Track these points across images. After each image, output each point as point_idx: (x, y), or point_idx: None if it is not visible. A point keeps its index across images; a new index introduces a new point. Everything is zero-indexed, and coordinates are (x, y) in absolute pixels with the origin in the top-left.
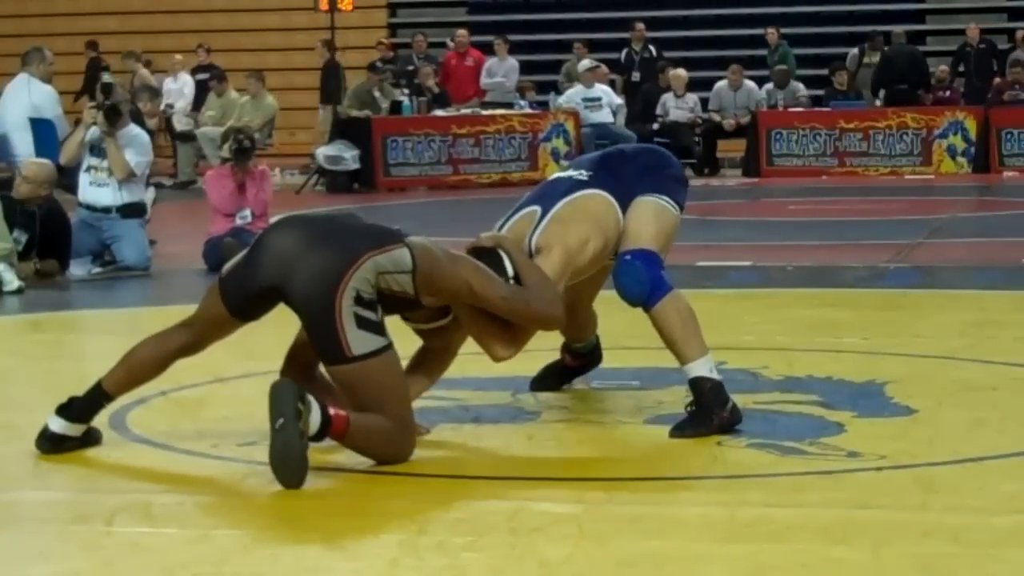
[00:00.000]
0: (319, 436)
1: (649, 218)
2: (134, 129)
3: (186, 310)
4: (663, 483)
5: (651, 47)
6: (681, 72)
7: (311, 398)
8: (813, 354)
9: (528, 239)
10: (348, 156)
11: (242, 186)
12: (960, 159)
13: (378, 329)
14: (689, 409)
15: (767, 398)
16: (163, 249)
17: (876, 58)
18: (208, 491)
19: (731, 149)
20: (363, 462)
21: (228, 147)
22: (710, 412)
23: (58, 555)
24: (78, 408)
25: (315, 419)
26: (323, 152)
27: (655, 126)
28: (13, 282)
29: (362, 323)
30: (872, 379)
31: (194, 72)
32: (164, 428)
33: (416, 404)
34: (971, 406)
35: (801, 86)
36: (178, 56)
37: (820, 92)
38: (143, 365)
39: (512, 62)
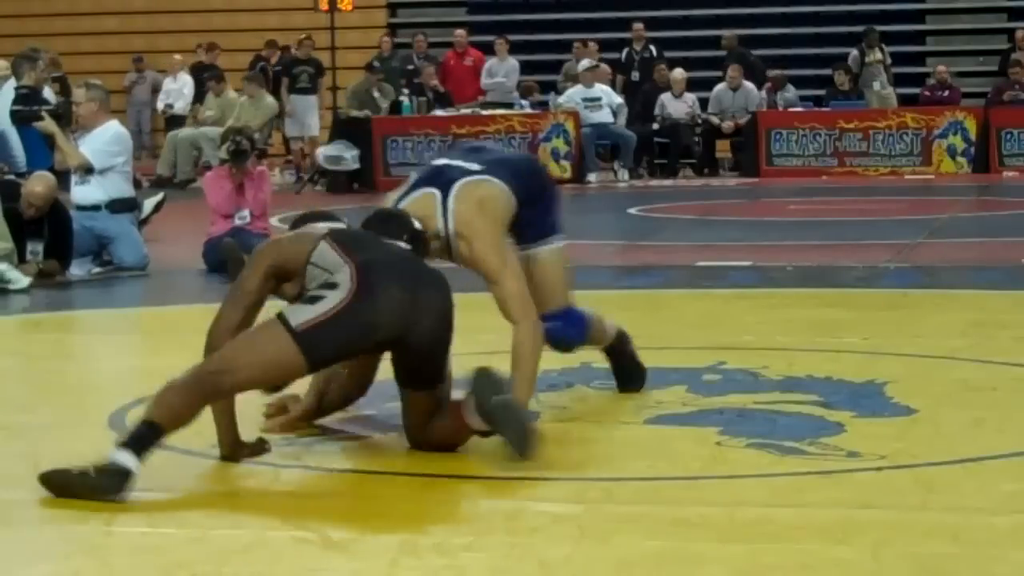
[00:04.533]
0: None
1: (559, 272)
2: (112, 127)
3: (186, 310)
4: (663, 483)
5: (651, 47)
6: (678, 73)
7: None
8: (813, 354)
9: (443, 222)
10: (348, 156)
11: (240, 187)
12: (960, 159)
13: None
14: None
15: (767, 398)
16: (162, 249)
17: (877, 56)
18: (207, 491)
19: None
20: (363, 463)
21: (226, 148)
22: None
23: (58, 555)
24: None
25: None
26: (323, 152)
27: (655, 126)
28: (21, 280)
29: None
30: (872, 379)
31: (193, 71)
32: None
33: None
34: (971, 406)
35: (793, 92)
36: (178, 56)
37: (821, 92)
38: (176, 418)
39: (512, 62)
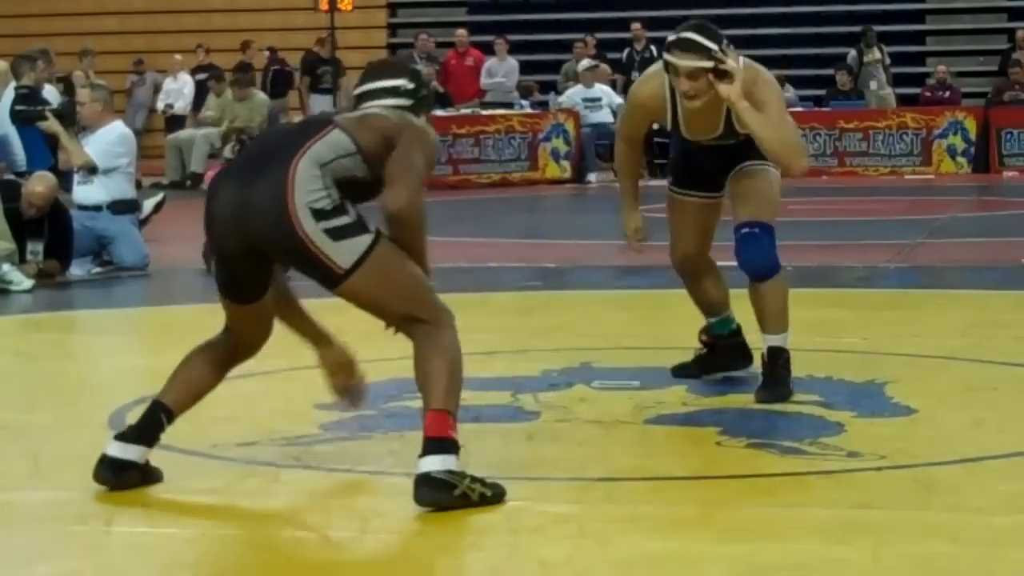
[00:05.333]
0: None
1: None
2: (117, 127)
3: (186, 310)
4: (663, 483)
5: (652, 47)
6: None
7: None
8: (813, 354)
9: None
10: None
11: None
12: (960, 159)
13: (355, 229)
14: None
15: None
16: (163, 249)
17: (875, 55)
18: (208, 491)
19: None
20: (362, 462)
21: (231, 147)
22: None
23: (58, 554)
24: (138, 431)
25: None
26: None
27: (655, 126)
28: (24, 281)
29: (336, 234)
30: (872, 379)
31: (194, 72)
32: None
33: (417, 403)
34: (971, 406)
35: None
36: (178, 56)
37: (821, 92)
38: (200, 382)
39: (512, 62)
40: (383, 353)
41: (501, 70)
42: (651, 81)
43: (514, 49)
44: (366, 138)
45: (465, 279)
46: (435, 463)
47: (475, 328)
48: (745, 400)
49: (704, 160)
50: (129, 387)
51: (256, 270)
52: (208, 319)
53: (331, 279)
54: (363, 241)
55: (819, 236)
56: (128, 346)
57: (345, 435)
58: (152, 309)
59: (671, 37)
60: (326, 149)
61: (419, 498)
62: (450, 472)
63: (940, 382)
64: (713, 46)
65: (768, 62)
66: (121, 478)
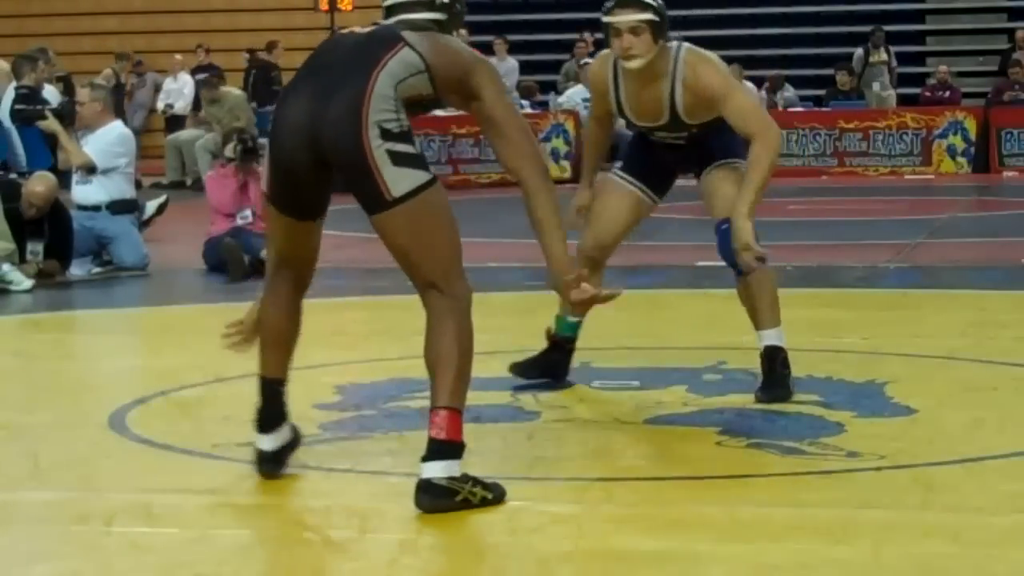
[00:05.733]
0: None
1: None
2: (117, 127)
3: (186, 310)
4: (663, 483)
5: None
6: None
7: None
8: (813, 354)
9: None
10: None
11: (244, 186)
12: (960, 159)
13: (417, 162)
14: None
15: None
16: (162, 249)
17: (881, 56)
18: (208, 491)
19: None
20: (362, 462)
21: (232, 148)
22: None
23: (58, 555)
24: (268, 415)
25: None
26: None
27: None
28: (24, 282)
29: (397, 158)
30: (872, 379)
31: (194, 72)
32: (164, 428)
33: (417, 403)
34: (971, 406)
35: (792, 91)
36: (178, 56)
37: (820, 92)
38: (281, 329)
39: (512, 62)
40: (383, 353)
41: (500, 70)
42: (599, 61)
43: (514, 49)
44: (438, 61)
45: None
46: (438, 469)
47: (475, 328)
48: (745, 400)
49: (661, 157)
50: (129, 387)
51: (321, 184)
52: (208, 319)
53: (378, 202)
54: (420, 176)
55: (819, 236)
56: (128, 346)
57: (345, 435)
58: (152, 309)
59: (608, 2)
60: (400, 67)
61: (420, 504)
62: (452, 479)
63: (940, 382)
64: (653, 2)
65: (768, 62)
66: (284, 463)
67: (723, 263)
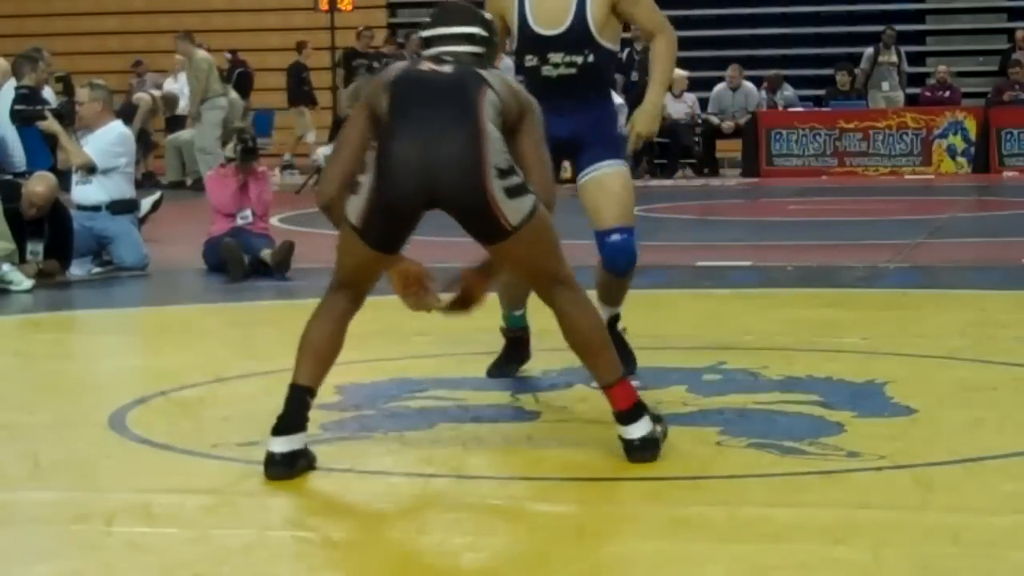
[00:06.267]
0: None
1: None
2: (116, 127)
3: (186, 310)
4: (663, 483)
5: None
6: (678, 73)
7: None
8: (813, 354)
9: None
10: None
11: (244, 186)
12: (960, 159)
13: (524, 189)
14: None
15: (767, 398)
16: (162, 249)
17: (891, 57)
18: (208, 491)
19: (730, 149)
20: (362, 462)
21: (232, 147)
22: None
23: (57, 555)
24: (288, 421)
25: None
26: (323, 152)
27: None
28: (24, 282)
29: (511, 192)
30: (872, 379)
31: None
32: (164, 428)
33: (417, 404)
34: (971, 406)
35: (791, 90)
36: (179, 56)
37: (820, 92)
38: (325, 346)
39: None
40: (384, 353)
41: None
42: None
43: None
44: (508, 101)
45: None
46: (642, 427)
47: (475, 328)
48: (745, 400)
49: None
50: (129, 387)
51: (417, 220)
52: (208, 319)
53: (498, 234)
54: (529, 201)
55: (819, 236)
56: (128, 346)
57: (345, 435)
58: (152, 309)
59: None
60: (491, 109)
61: (644, 459)
62: (652, 428)
63: (940, 382)
64: None
65: (768, 62)
66: (293, 469)
67: (720, 263)
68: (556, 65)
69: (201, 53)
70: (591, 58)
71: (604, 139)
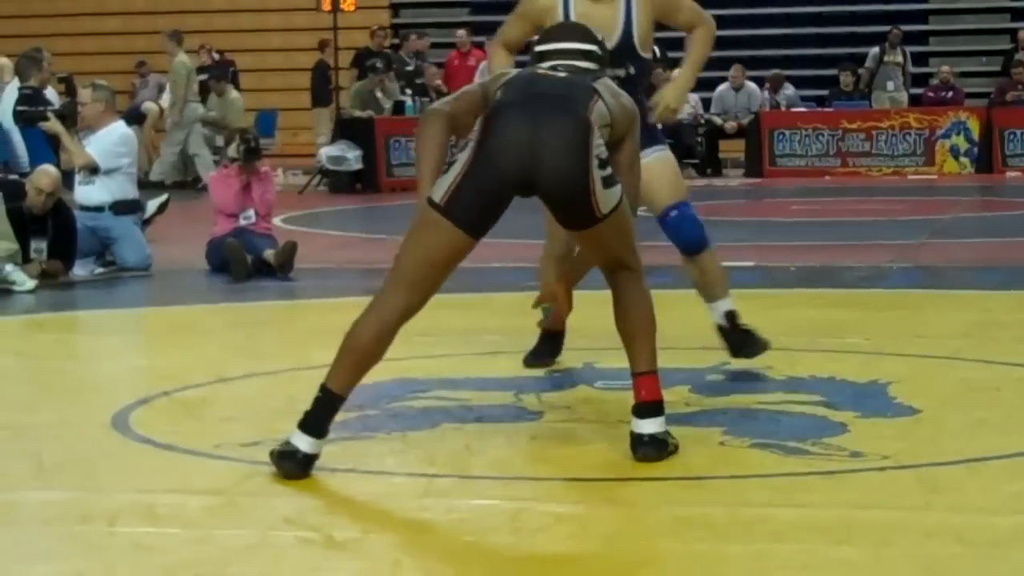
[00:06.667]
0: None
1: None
2: (119, 128)
3: (189, 310)
4: (666, 483)
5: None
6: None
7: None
8: (816, 354)
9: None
10: (351, 156)
11: (247, 186)
12: (963, 159)
13: (615, 180)
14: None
15: (771, 398)
16: (165, 250)
17: (896, 57)
18: (211, 491)
19: (733, 149)
20: (365, 462)
21: (236, 147)
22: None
23: (61, 555)
24: (317, 423)
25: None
26: (326, 152)
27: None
28: (27, 282)
29: (607, 182)
30: (875, 379)
31: (198, 72)
32: (167, 428)
33: (420, 404)
34: (974, 406)
35: (792, 89)
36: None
37: (823, 92)
38: (367, 352)
39: None
40: (387, 353)
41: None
42: None
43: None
44: (620, 119)
45: (468, 279)
46: (655, 425)
47: (478, 329)
48: (748, 400)
49: None
50: (132, 387)
51: (505, 204)
52: (211, 319)
53: (589, 219)
54: (618, 192)
55: (822, 236)
56: (131, 346)
57: (348, 435)
58: (155, 309)
59: None
60: (598, 116)
61: (647, 456)
62: (665, 432)
63: (943, 382)
64: None
65: (771, 63)
66: (308, 471)
67: (724, 263)
68: None
69: (181, 57)
70: (632, 70)
71: (643, 130)
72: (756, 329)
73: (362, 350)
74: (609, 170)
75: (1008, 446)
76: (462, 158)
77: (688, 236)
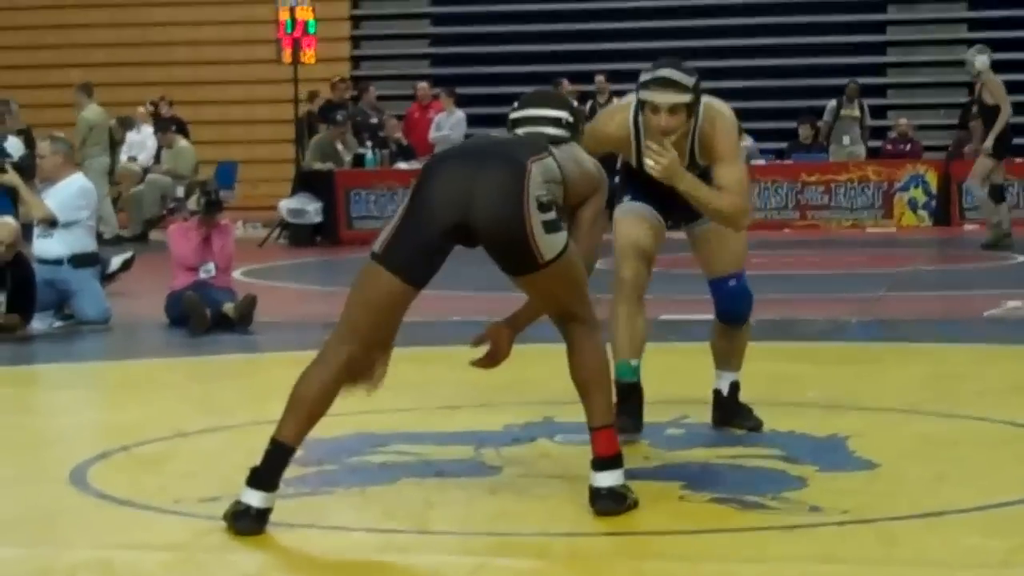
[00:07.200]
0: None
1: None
2: (78, 180)
3: (148, 364)
4: (625, 538)
5: (615, 99)
6: None
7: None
8: (775, 408)
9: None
10: (311, 209)
11: (207, 239)
12: (921, 212)
13: (559, 226)
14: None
15: (730, 452)
16: (124, 303)
17: (853, 111)
18: (169, 547)
19: None
20: (324, 518)
21: (196, 200)
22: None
23: None
24: (267, 476)
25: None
26: (286, 205)
27: (616, 179)
28: None
29: (549, 227)
30: (834, 433)
31: (166, 121)
32: (125, 484)
33: (379, 458)
34: (933, 460)
35: (750, 140)
36: (140, 108)
37: (783, 145)
38: (315, 402)
39: (459, 115)
40: (346, 408)
41: (447, 123)
42: (619, 114)
43: (476, 101)
44: (574, 179)
45: (426, 333)
46: (612, 478)
47: (438, 382)
48: (708, 455)
49: (664, 194)
50: (90, 442)
51: (445, 251)
52: (170, 373)
53: (531, 266)
54: (563, 238)
55: (781, 289)
56: (89, 401)
57: (307, 490)
58: (113, 363)
59: (646, 76)
60: (546, 171)
61: (606, 509)
62: (623, 485)
63: (902, 436)
64: (690, 81)
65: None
66: (263, 526)
67: (683, 316)
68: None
69: (87, 111)
70: (698, 171)
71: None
72: (752, 408)
73: (310, 400)
74: (552, 215)
75: (967, 500)
76: (400, 208)
77: (740, 309)
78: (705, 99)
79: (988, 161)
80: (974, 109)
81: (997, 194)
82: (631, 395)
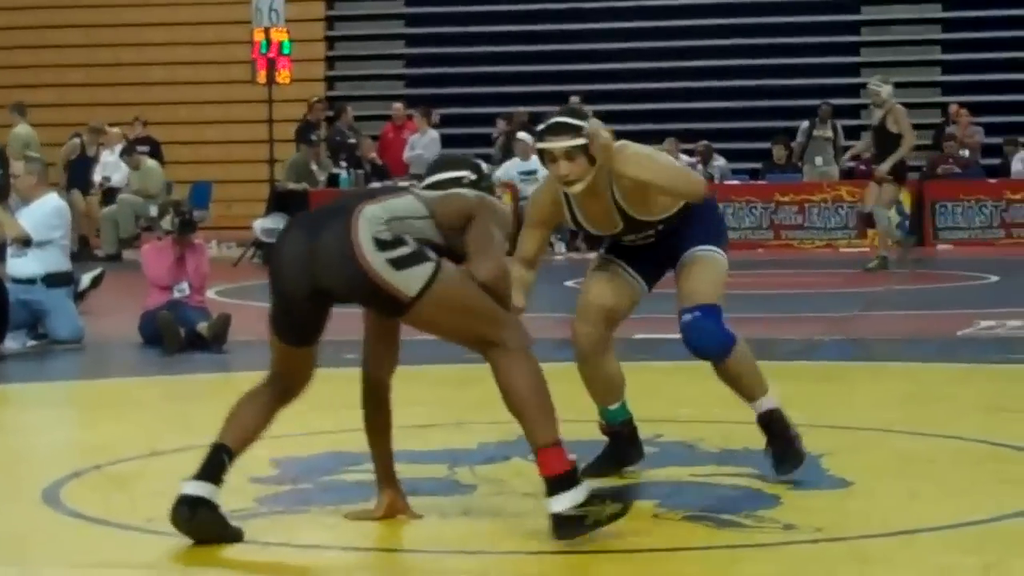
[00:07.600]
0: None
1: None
2: (52, 200)
3: (121, 383)
4: (600, 556)
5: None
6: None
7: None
8: (749, 427)
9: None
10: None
11: (181, 259)
12: (895, 232)
13: (417, 258)
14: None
15: (704, 470)
16: (98, 322)
17: (827, 133)
18: (143, 566)
19: None
20: (298, 536)
21: (170, 220)
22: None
23: None
24: (205, 470)
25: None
26: (260, 225)
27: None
28: None
29: (398, 263)
30: (808, 451)
31: (132, 144)
32: (98, 502)
33: (353, 477)
34: (906, 478)
35: (722, 160)
36: (115, 129)
37: (756, 165)
38: (247, 426)
39: (433, 134)
40: (320, 426)
41: (420, 143)
42: (545, 187)
43: (452, 121)
44: (442, 210)
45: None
46: (563, 502)
47: (412, 401)
48: (682, 472)
49: (640, 251)
50: (64, 461)
51: (315, 313)
52: (144, 392)
53: (398, 307)
54: (426, 268)
55: (755, 309)
56: (62, 419)
57: (281, 509)
58: (87, 382)
59: (539, 127)
60: (400, 205)
61: (560, 537)
62: (578, 506)
63: (876, 454)
64: (583, 124)
65: (704, 135)
66: (196, 515)
67: (657, 336)
68: (633, 240)
69: (17, 129)
70: (661, 227)
71: (703, 224)
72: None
73: (244, 424)
74: (403, 250)
75: (940, 518)
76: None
77: (695, 343)
78: (616, 146)
79: (892, 187)
80: (870, 136)
81: (870, 220)
82: (617, 436)
